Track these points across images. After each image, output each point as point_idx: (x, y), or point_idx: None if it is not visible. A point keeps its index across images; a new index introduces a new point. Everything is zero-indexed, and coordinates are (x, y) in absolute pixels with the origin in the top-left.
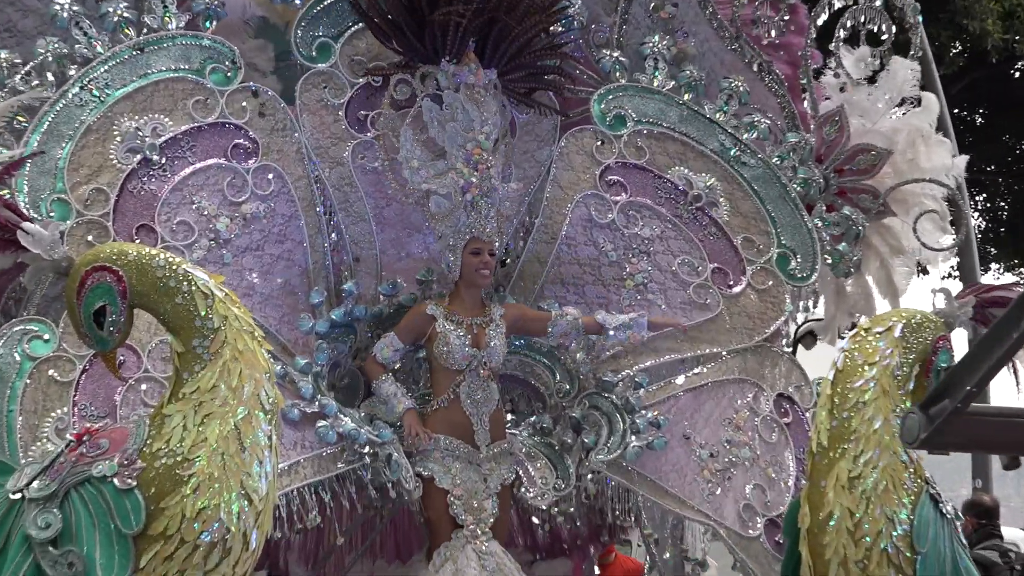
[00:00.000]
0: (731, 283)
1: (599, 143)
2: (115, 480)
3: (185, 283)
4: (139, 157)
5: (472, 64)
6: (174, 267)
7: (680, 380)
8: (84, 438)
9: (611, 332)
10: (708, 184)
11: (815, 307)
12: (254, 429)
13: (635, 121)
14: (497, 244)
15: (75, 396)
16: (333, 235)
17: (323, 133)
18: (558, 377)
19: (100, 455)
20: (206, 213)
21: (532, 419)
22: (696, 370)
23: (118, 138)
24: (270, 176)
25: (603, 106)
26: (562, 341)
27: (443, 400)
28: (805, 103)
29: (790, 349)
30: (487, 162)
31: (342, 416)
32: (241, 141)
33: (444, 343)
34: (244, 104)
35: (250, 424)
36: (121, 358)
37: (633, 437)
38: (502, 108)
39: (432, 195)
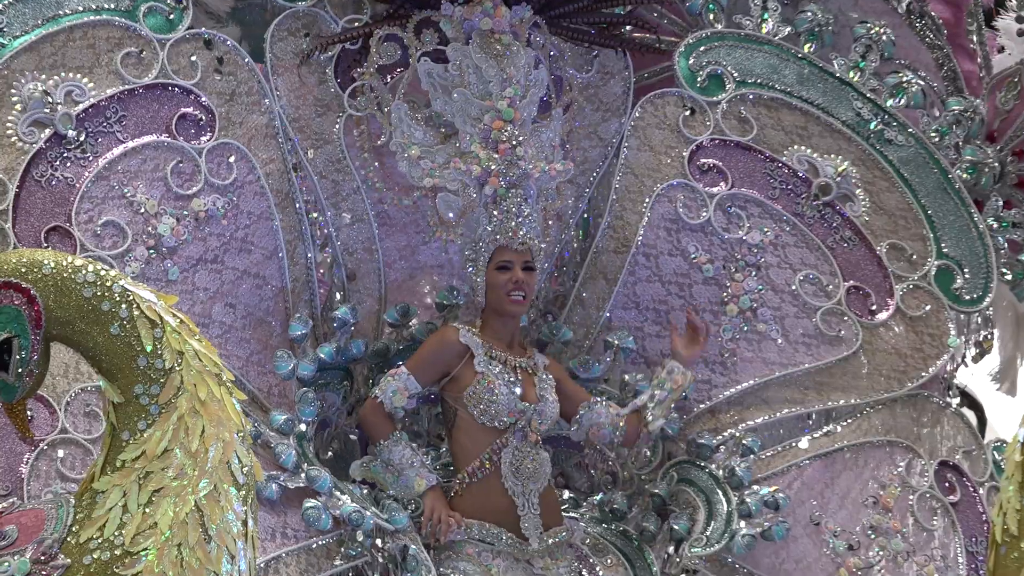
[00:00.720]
0: (874, 308)
1: (687, 113)
2: None
3: (123, 306)
4: (48, 132)
5: (488, 1)
6: (107, 283)
7: (804, 443)
8: None
9: (653, 414)
10: (840, 170)
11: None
12: (223, 510)
13: (737, 82)
14: (537, 254)
15: None
16: (319, 242)
17: (304, 100)
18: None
19: (6, 548)
20: (143, 211)
21: (598, 498)
22: (827, 429)
23: (18, 106)
24: (231, 159)
25: (692, 61)
26: (591, 439)
27: (475, 472)
28: (973, 57)
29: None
30: (513, 138)
31: (338, 493)
32: (190, 110)
33: (486, 389)
34: (193, 59)
35: (217, 503)
36: (29, 413)
37: (742, 523)
38: (554, 55)
39: (439, 192)
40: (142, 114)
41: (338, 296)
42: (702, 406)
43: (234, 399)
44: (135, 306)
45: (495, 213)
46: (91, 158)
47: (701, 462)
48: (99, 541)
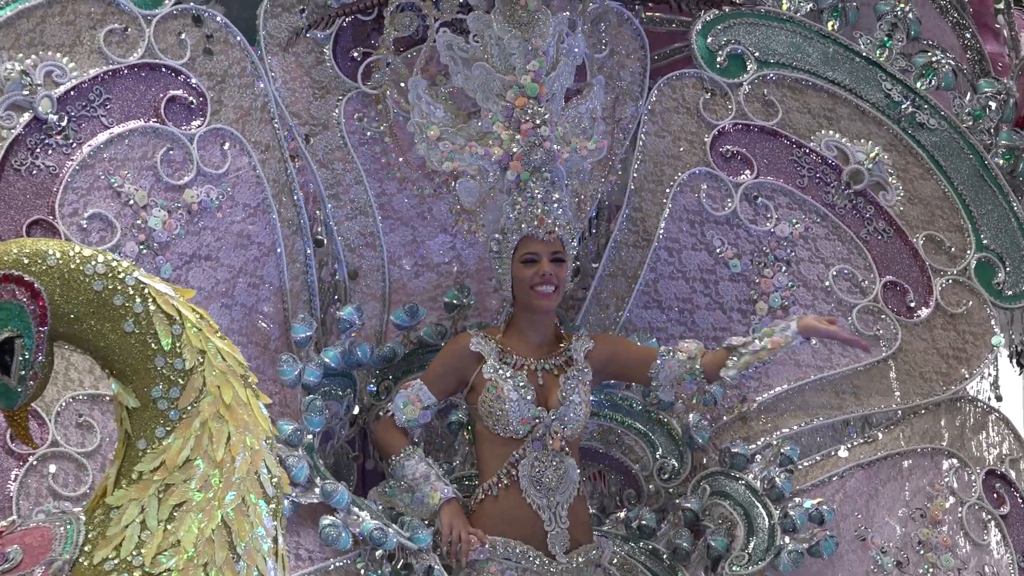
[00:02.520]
0: (912, 305)
1: (708, 95)
2: None
3: (138, 300)
4: (27, 117)
5: None
6: (119, 275)
7: (844, 452)
8: None
9: (736, 361)
10: (872, 156)
11: None
12: (252, 526)
13: (759, 63)
14: (568, 243)
15: None
16: (319, 236)
17: (301, 82)
18: (660, 450)
19: (10, 571)
20: (132, 202)
21: (623, 514)
22: (866, 436)
23: None
24: (225, 146)
25: (710, 40)
26: (675, 394)
27: (493, 486)
28: (999, 38)
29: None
30: (538, 116)
31: (356, 510)
32: (179, 93)
33: (495, 397)
34: (182, 36)
35: (246, 518)
36: None
37: (786, 538)
38: (591, 25)
39: (460, 178)
40: (128, 97)
41: (338, 296)
42: (730, 414)
43: (260, 403)
44: (151, 300)
45: (519, 200)
46: (74, 145)
47: (736, 473)
48: (115, 562)
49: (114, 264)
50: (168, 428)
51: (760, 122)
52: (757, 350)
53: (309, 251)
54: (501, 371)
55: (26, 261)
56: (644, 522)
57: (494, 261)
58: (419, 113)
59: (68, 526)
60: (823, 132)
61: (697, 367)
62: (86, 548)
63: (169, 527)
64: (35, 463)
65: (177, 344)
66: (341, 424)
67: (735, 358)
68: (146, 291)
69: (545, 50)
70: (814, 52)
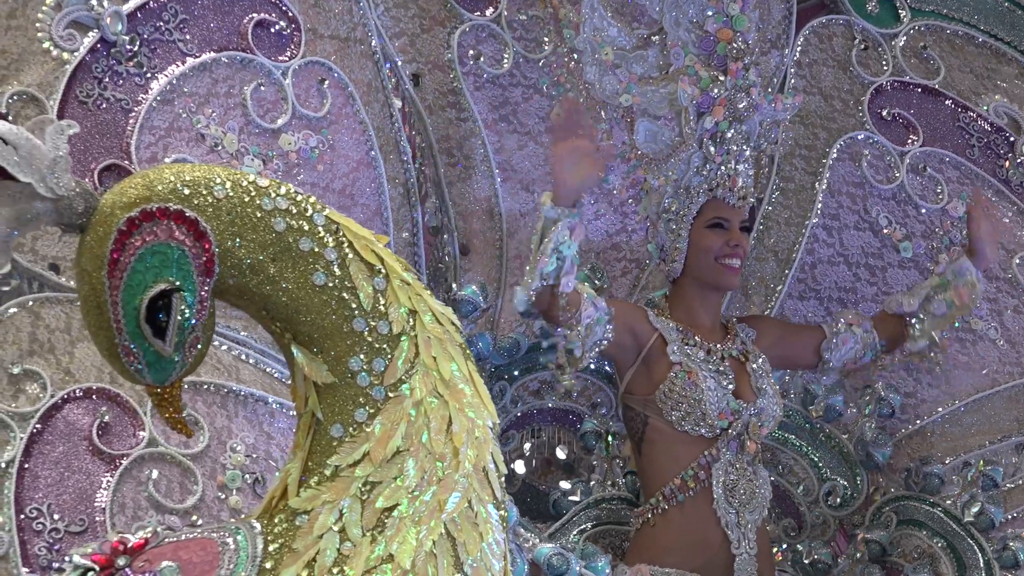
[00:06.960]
0: None
1: (862, 47)
2: None
3: (331, 243)
4: (93, 37)
5: None
6: (306, 211)
7: None
8: (119, 561)
9: (920, 329)
10: None
11: None
12: (481, 536)
13: (913, 12)
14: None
15: (19, 492)
16: (429, 198)
17: (405, 9)
18: (826, 471)
19: None
20: (220, 147)
21: (785, 547)
22: None
23: (50, 1)
24: (325, 84)
25: None
26: (853, 369)
27: (674, 494)
28: None
29: None
30: (746, 55)
31: (525, 531)
32: (269, 17)
33: (687, 383)
34: None
35: (474, 527)
36: (103, 418)
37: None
38: None
39: (639, 118)
40: (208, 18)
41: (449, 274)
42: (909, 427)
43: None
44: (346, 244)
45: (713, 154)
46: (148, 75)
47: (928, 497)
48: None
49: (299, 199)
50: (371, 410)
51: (921, 80)
52: (943, 314)
53: (417, 217)
54: (691, 353)
55: (187, 192)
56: (818, 557)
57: (665, 226)
58: (591, 28)
59: (239, 536)
60: (990, 95)
61: (874, 338)
62: (267, 565)
63: (378, 537)
64: (129, 466)
65: (381, 302)
66: None
67: (917, 324)
68: (341, 233)
69: None
70: (969, 0)
